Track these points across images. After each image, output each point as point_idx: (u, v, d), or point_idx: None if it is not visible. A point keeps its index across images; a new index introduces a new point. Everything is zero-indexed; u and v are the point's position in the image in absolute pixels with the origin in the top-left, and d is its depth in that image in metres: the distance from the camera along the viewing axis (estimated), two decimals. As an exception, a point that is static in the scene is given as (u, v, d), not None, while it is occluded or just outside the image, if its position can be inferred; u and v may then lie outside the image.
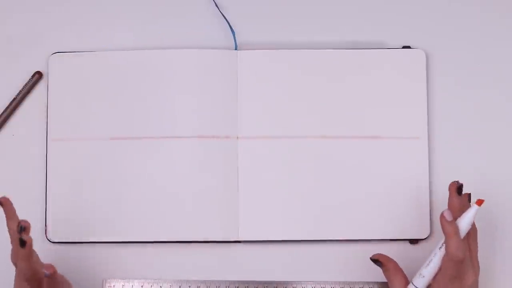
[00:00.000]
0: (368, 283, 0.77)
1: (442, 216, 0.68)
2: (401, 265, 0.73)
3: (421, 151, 0.78)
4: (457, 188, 0.70)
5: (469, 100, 0.80)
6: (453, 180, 0.70)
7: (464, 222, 0.68)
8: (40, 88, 0.80)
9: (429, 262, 0.69)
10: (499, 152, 0.79)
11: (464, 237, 0.68)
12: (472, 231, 0.70)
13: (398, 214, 0.77)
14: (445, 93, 0.80)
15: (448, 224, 0.67)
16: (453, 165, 0.79)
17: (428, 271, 0.69)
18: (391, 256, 0.73)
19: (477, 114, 0.80)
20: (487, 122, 0.80)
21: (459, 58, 0.81)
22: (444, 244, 0.68)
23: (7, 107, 0.80)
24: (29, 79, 0.80)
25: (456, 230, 0.67)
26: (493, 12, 0.81)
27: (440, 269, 0.69)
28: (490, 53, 0.81)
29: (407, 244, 0.78)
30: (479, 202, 0.68)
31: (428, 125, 0.79)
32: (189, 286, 0.77)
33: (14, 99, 0.80)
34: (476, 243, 0.71)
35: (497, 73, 0.81)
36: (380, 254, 0.73)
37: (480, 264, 0.70)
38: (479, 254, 0.70)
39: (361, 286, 0.77)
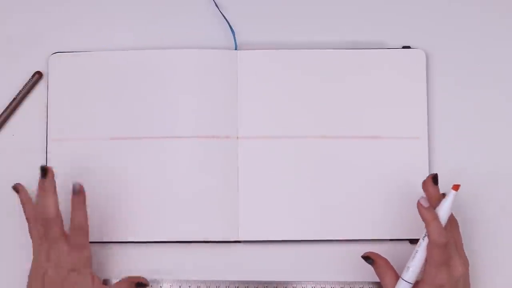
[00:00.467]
0: (368, 283, 0.77)
1: (418, 203, 0.69)
2: (401, 265, 0.73)
3: (421, 151, 0.78)
4: (433, 178, 0.71)
5: (469, 100, 0.80)
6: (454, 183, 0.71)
7: (443, 209, 0.69)
8: (40, 88, 0.80)
9: (415, 254, 0.70)
10: (499, 152, 0.79)
11: (446, 226, 0.69)
12: (453, 222, 0.71)
13: (398, 214, 0.77)
14: (445, 93, 0.80)
15: (426, 210, 0.69)
16: (453, 165, 0.79)
17: (414, 263, 0.70)
18: (391, 256, 0.73)
19: (477, 114, 0.80)
20: (487, 122, 0.80)
21: (459, 58, 0.81)
22: (426, 233, 0.69)
23: (7, 107, 0.80)
24: (29, 79, 0.80)
25: (435, 215, 0.68)
26: (493, 12, 0.81)
27: (426, 259, 0.69)
28: (490, 53, 0.81)
29: (407, 244, 0.78)
30: (456, 188, 0.69)
31: (428, 125, 0.79)
32: (189, 286, 0.77)
33: (14, 99, 0.80)
34: (459, 234, 0.71)
35: (497, 73, 0.81)
36: (371, 252, 0.73)
37: (481, 265, 0.70)
38: (477, 251, 0.71)
39: (361, 286, 0.77)
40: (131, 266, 0.78)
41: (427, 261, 0.69)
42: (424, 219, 0.69)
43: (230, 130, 0.78)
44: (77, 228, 0.72)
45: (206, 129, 0.78)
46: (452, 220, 0.71)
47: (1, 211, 0.78)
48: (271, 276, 0.78)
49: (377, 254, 0.73)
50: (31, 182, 0.78)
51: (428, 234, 0.68)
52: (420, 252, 0.69)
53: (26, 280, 0.72)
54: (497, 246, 0.78)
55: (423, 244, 0.69)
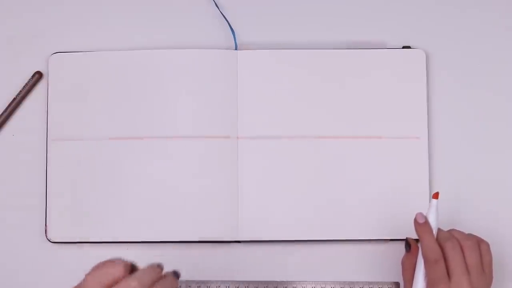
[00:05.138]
0: (368, 283, 0.77)
1: (414, 220, 0.69)
2: (400, 265, 0.73)
3: (421, 151, 0.78)
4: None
5: (469, 100, 0.80)
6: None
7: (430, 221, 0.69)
8: (40, 88, 0.80)
9: (416, 275, 0.69)
10: (499, 152, 0.79)
11: (448, 244, 0.68)
12: (449, 241, 0.68)
13: (398, 214, 0.77)
14: (445, 93, 0.80)
15: (419, 226, 0.68)
16: (453, 165, 0.79)
17: (415, 284, 0.69)
18: (391, 256, 0.74)
19: (477, 114, 0.80)
20: (487, 122, 0.80)
21: (459, 58, 0.81)
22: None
23: (7, 107, 0.80)
24: (29, 79, 0.80)
25: (428, 230, 0.68)
26: (493, 12, 0.81)
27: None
28: (490, 53, 0.81)
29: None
30: (436, 196, 0.69)
31: (428, 125, 0.79)
32: (189, 286, 0.77)
33: (14, 99, 0.80)
34: (475, 254, 0.68)
35: (497, 73, 0.81)
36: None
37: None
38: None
39: (361, 286, 0.77)
40: (131, 266, 0.78)
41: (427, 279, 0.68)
42: (417, 235, 0.69)
43: (230, 130, 0.78)
44: None
45: (206, 129, 0.78)
46: (447, 237, 0.69)
47: (0, 210, 0.78)
48: (271, 276, 0.78)
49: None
50: (31, 181, 0.78)
51: (421, 249, 0.68)
52: (417, 271, 0.69)
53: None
54: (498, 243, 0.78)
55: (417, 263, 0.69)
